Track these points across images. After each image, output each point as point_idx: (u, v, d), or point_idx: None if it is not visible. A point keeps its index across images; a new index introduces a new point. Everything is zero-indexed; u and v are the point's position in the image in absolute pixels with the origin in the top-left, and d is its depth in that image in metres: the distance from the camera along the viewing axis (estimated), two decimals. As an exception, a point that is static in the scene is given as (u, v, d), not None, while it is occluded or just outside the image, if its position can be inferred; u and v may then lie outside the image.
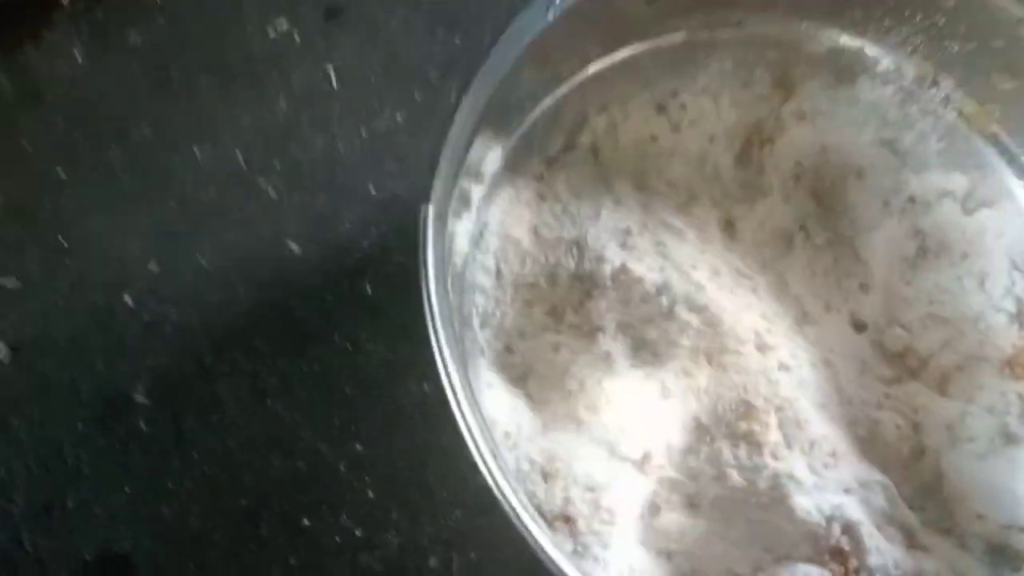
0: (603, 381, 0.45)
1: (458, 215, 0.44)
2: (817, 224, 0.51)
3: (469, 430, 0.36)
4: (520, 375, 0.46)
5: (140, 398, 0.48)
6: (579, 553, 0.42)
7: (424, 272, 0.37)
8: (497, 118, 0.44)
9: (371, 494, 0.47)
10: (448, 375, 0.37)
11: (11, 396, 0.48)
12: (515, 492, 0.37)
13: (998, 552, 0.45)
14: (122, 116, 0.52)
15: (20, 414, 0.47)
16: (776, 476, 0.43)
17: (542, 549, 0.35)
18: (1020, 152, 0.48)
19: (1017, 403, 0.46)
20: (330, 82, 0.54)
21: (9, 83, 0.52)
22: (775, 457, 0.44)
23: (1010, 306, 0.48)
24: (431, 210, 0.38)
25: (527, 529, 0.35)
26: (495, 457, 0.36)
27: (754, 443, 0.44)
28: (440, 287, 0.37)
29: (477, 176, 0.44)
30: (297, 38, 0.55)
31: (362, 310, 0.50)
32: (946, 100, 0.49)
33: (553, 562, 0.35)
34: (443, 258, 0.38)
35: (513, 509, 0.36)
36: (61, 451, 0.47)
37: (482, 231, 0.45)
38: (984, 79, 0.47)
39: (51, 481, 0.46)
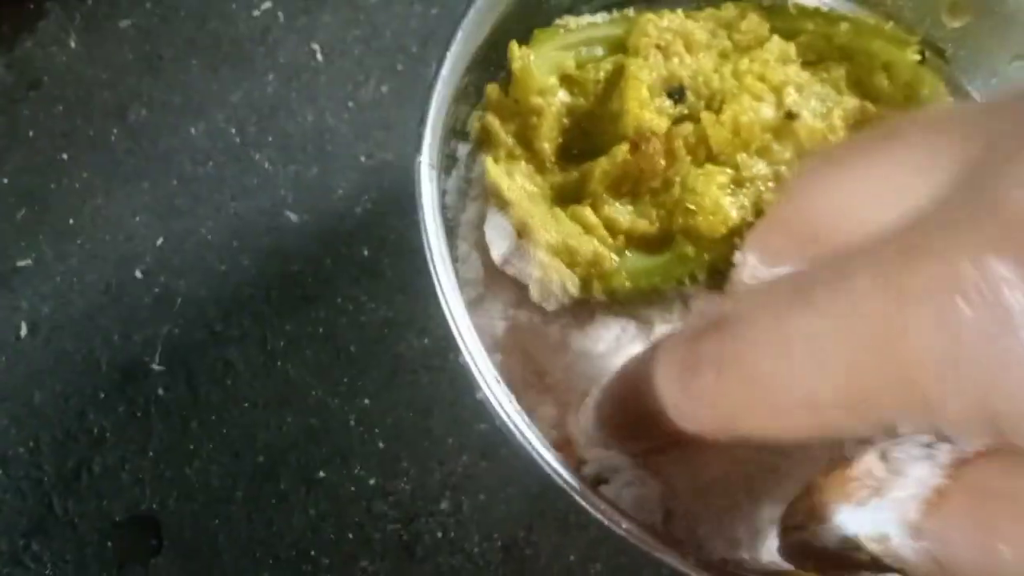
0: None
1: (448, 172, 0.46)
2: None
3: (465, 344, 0.38)
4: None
5: (156, 366, 0.50)
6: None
7: (422, 211, 0.39)
8: (481, 77, 0.46)
9: (381, 444, 0.50)
10: (445, 301, 0.39)
11: (33, 370, 0.50)
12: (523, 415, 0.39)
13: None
14: (118, 99, 0.55)
15: (42, 387, 0.50)
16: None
17: (549, 464, 0.37)
18: None
19: None
20: (315, 57, 0.56)
21: (9, 73, 0.54)
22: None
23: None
24: (424, 159, 0.40)
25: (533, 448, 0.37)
26: (498, 380, 0.38)
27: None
28: (437, 223, 0.40)
29: (462, 135, 0.47)
30: (281, 17, 0.57)
31: (360, 272, 0.52)
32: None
33: (561, 475, 0.37)
34: (437, 204, 0.41)
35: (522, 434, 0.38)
36: (85, 420, 0.49)
37: (470, 182, 0.47)
38: None
39: (77, 449, 0.49)
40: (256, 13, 0.57)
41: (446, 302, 0.39)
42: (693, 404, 0.29)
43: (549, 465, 0.38)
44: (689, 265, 0.44)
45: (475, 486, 0.49)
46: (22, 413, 0.49)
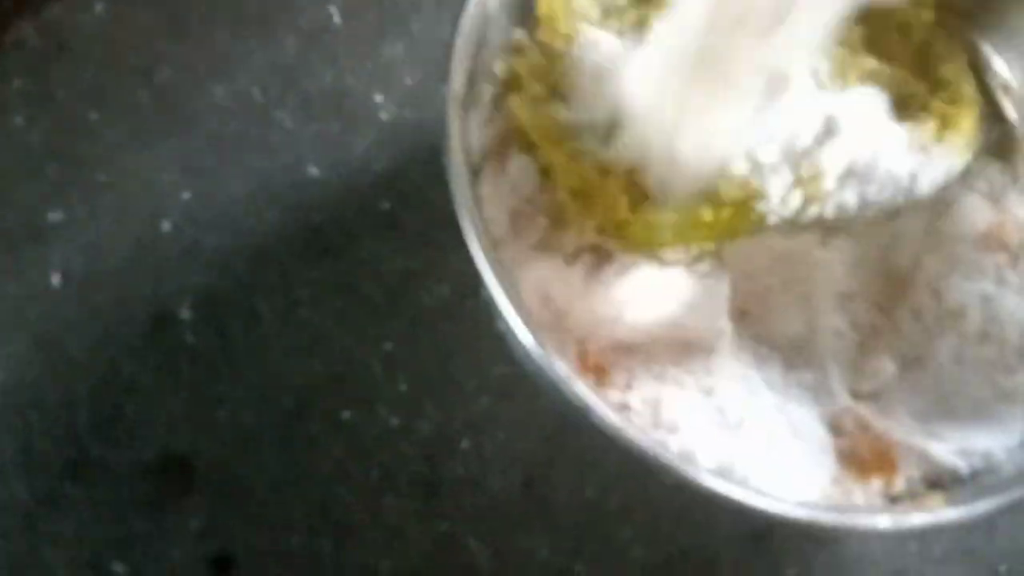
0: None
1: (472, 116, 0.48)
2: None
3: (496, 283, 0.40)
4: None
5: (185, 315, 0.52)
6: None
7: (449, 142, 0.41)
8: (506, 25, 0.48)
9: (404, 388, 0.51)
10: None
11: (66, 320, 0.52)
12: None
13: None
14: (144, 62, 0.56)
15: (76, 336, 0.51)
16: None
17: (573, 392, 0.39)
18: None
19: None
20: (334, 20, 0.58)
21: (38, 37, 0.56)
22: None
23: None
24: (450, 90, 0.42)
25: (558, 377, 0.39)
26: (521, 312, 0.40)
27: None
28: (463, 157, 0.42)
29: (487, 79, 0.48)
30: (300, -19, 0.59)
31: (380, 225, 0.54)
32: None
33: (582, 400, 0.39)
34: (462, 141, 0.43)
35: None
36: (117, 367, 0.51)
37: (494, 126, 0.49)
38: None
39: (110, 394, 0.51)
40: (275, -22, 0.59)
41: (469, 234, 0.41)
42: None
43: (569, 389, 0.40)
44: (703, 231, 0.46)
45: (495, 426, 0.51)
46: (56, 361, 0.51)
